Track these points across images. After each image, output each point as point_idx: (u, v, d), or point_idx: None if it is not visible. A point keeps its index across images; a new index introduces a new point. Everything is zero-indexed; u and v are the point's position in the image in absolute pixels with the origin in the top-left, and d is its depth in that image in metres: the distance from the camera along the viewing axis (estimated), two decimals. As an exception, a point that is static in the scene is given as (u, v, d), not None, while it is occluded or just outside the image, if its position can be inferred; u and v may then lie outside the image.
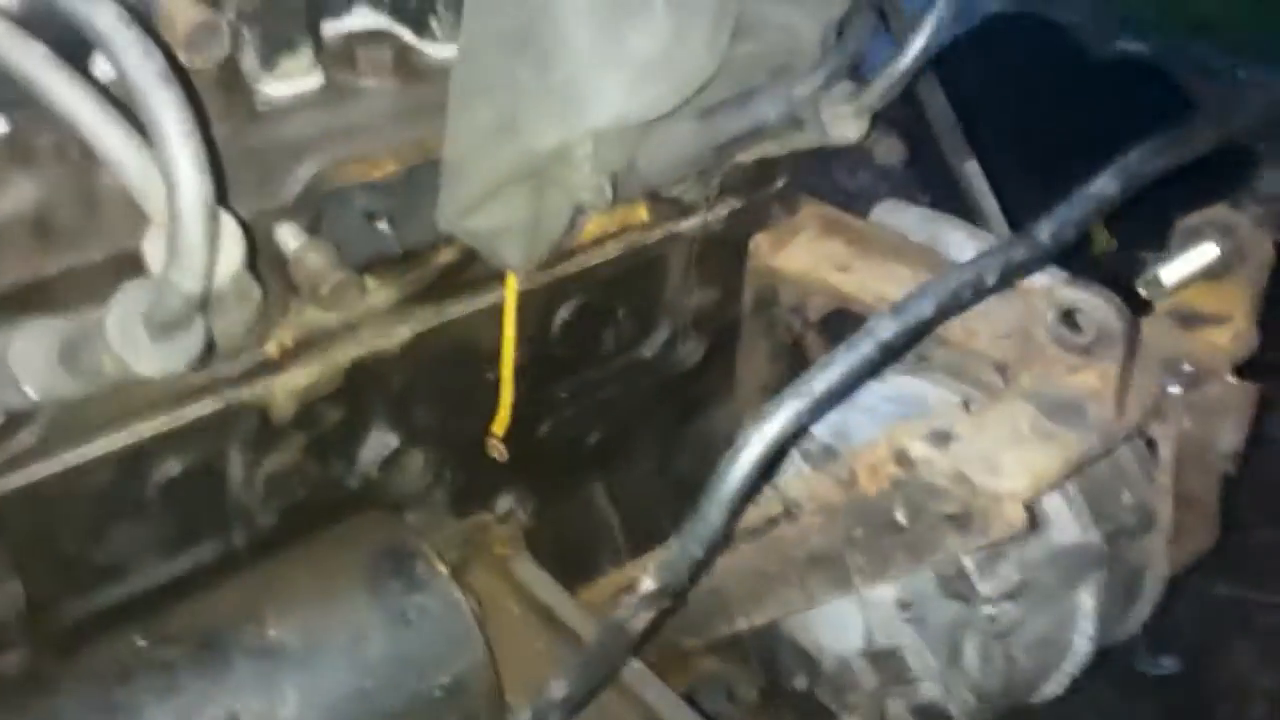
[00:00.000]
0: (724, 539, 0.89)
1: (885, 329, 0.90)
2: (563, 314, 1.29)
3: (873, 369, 0.90)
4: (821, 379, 0.87)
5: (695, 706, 1.26)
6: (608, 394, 1.40)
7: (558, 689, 0.95)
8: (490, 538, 1.37)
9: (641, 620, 0.92)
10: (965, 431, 1.07)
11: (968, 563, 1.14)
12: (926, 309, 0.92)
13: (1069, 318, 1.11)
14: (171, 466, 1.03)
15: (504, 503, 1.38)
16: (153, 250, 0.81)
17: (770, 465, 0.88)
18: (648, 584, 0.90)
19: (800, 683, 1.47)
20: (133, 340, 0.80)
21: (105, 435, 0.97)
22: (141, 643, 1.01)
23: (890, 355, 0.91)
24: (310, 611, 1.06)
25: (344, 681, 1.03)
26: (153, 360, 0.81)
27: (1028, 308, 1.14)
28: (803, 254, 1.44)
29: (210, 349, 0.89)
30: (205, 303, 0.83)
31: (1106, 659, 1.30)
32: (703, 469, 0.88)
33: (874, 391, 1.27)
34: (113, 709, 0.95)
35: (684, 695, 1.30)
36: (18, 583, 0.95)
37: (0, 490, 0.92)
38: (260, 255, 0.96)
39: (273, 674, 1.01)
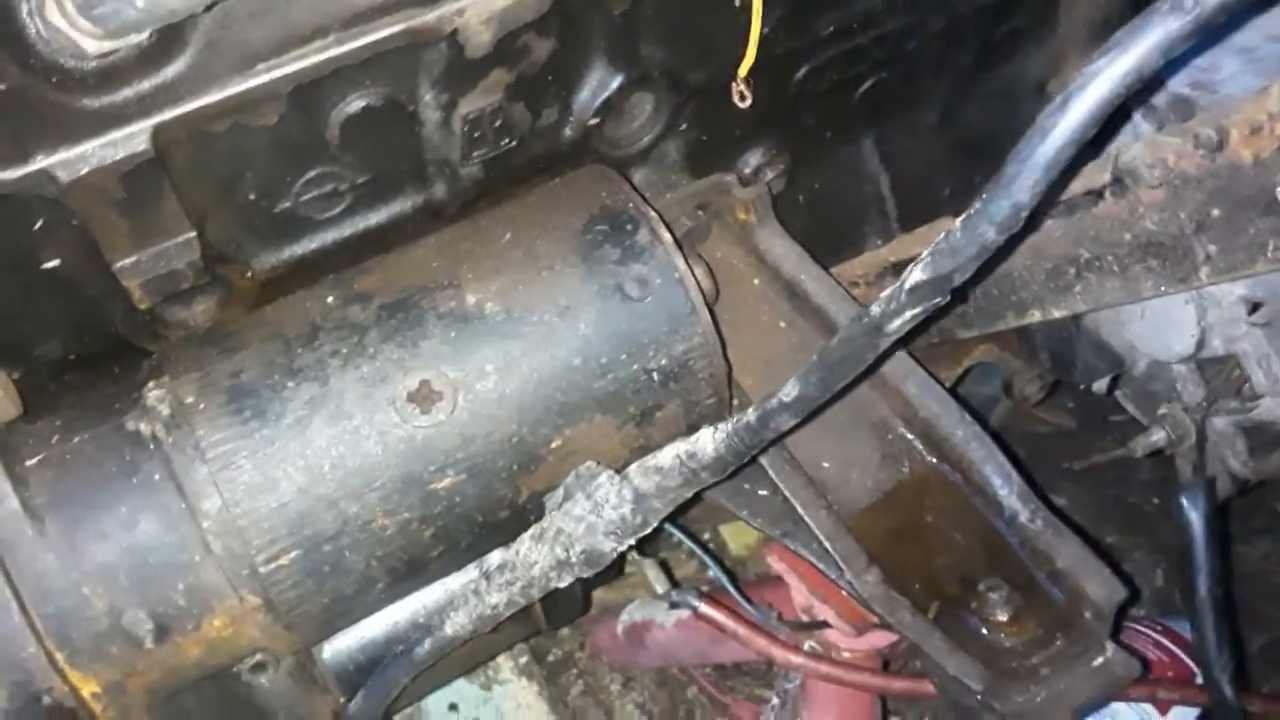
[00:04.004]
0: (1030, 219, 0.64)
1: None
2: None
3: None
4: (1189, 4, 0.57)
5: (961, 401, 1.08)
6: (884, 29, 1.11)
7: (789, 391, 0.76)
8: (732, 201, 1.17)
9: (903, 319, 0.70)
10: None
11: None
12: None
13: None
14: (351, 103, 0.88)
15: (750, 160, 1.17)
16: None
17: (1107, 124, 0.62)
18: (918, 273, 0.68)
19: (1099, 386, 1.30)
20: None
21: (269, 63, 0.82)
22: (330, 299, 0.91)
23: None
24: (514, 277, 0.92)
25: (548, 356, 0.90)
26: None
27: None
28: None
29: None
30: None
31: None
32: (1005, 125, 0.63)
33: (1256, 28, 1.00)
34: (296, 372, 0.86)
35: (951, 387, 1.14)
36: (190, 229, 0.85)
37: (158, 123, 0.80)
38: None
39: (469, 343, 0.89)
